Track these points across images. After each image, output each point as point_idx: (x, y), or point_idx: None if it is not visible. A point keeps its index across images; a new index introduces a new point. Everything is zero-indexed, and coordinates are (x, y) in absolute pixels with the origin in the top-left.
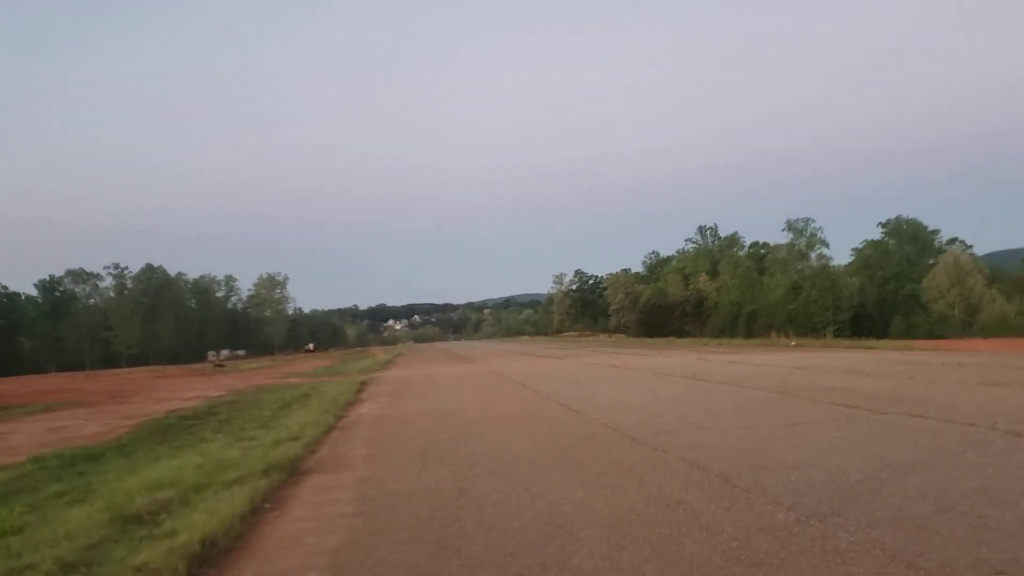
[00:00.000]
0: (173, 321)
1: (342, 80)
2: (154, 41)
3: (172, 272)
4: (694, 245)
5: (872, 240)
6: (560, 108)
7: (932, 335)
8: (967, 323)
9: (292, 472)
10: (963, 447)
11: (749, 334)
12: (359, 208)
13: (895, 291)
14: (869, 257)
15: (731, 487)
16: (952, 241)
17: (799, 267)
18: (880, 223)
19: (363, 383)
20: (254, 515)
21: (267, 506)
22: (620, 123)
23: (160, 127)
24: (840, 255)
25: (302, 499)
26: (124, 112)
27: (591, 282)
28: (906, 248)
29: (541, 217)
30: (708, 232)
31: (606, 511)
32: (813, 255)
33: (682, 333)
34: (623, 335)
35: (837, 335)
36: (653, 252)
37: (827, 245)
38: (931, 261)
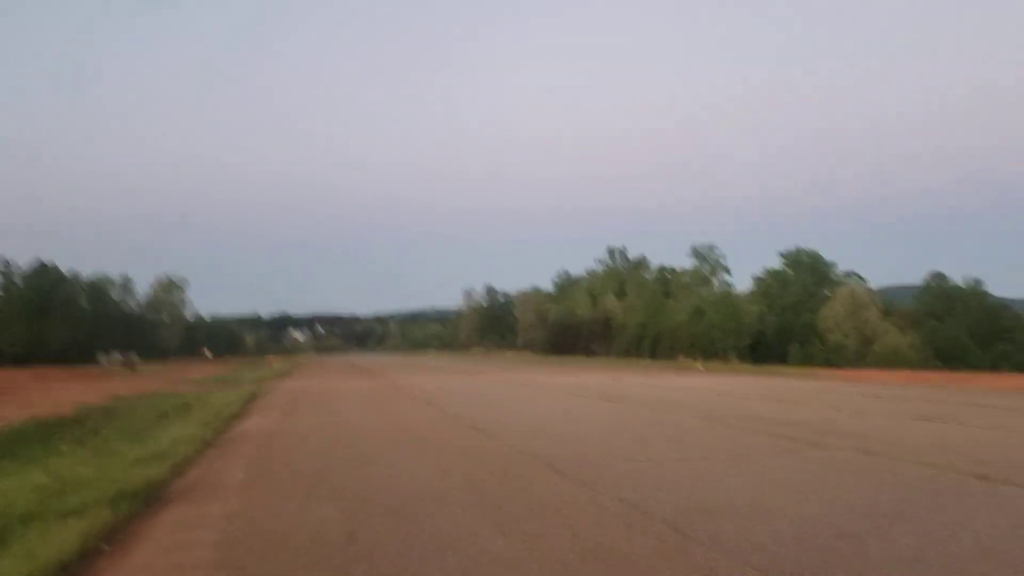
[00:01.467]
0: (64, 321)
1: (246, 83)
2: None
3: (65, 269)
4: (603, 266)
5: (772, 269)
6: (473, 120)
7: (828, 363)
8: (861, 353)
9: (149, 500)
10: (935, 493)
11: (654, 355)
12: (261, 214)
13: (793, 319)
14: (769, 286)
15: (683, 538)
16: (848, 274)
17: (703, 292)
18: (781, 253)
19: (254, 394)
20: (82, 561)
21: (104, 548)
22: (534, 139)
23: (58, 120)
24: (741, 282)
25: (151, 539)
26: (19, 101)
27: (501, 299)
28: (804, 278)
29: (451, 230)
30: (617, 254)
31: (534, 569)
32: (716, 281)
33: (589, 352)
34: (531, 353)
35: (739, 360)
36: (563, 271)
37: (729, 272)
38: (827, 292)
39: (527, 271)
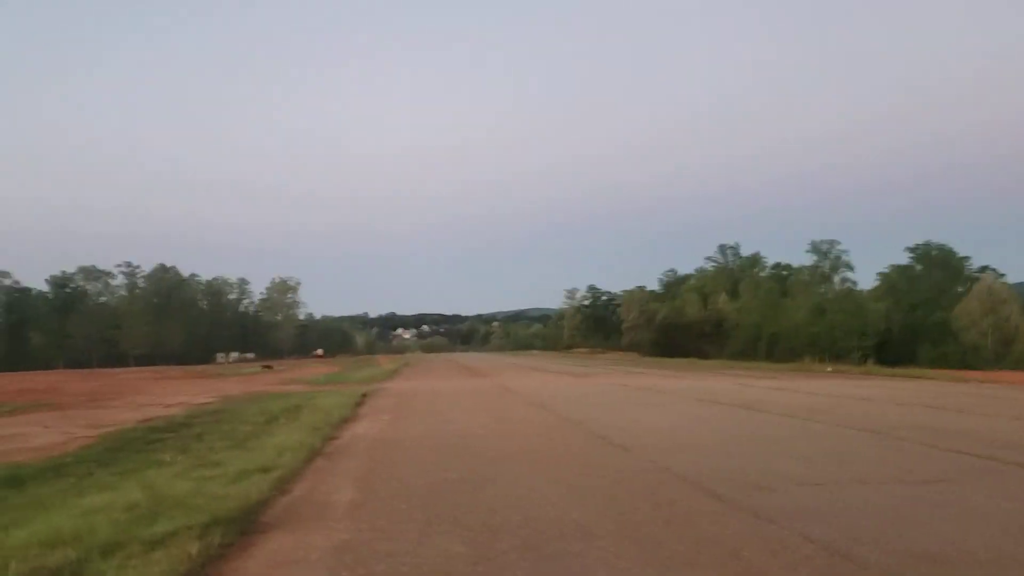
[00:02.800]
0: (183, 322)
1: (354, 87)
2: (169, 39)
3: (185, 273)
4: (714, 264)
5: (899, 265)
6: (577, 121)
7: (964, 365)
8: (1000, 354)
9: (245, 527)
10: None
11: (770, 357)
12: (372, 216)
13: (923, 318)
14: (895, 282)
15: None
16: (983, 269)
17: (822, 290)
18: (908, 248)
19: (364, 395)
20: None
21: None
22: (640, 142)
23: (178, 130)
24: (864, 279)
25: None
26: (143, 114)
27: (604, 298)
28: (935, 274)
29: (555, 231)
30: (729, 251)
31: None
32: (836, 278)
33: (699, 353)
34: (636, 353)
35: (862, 361)
36: (670, 270)
37: (851, 268)
38: (959, 289)
39: (630, 271)
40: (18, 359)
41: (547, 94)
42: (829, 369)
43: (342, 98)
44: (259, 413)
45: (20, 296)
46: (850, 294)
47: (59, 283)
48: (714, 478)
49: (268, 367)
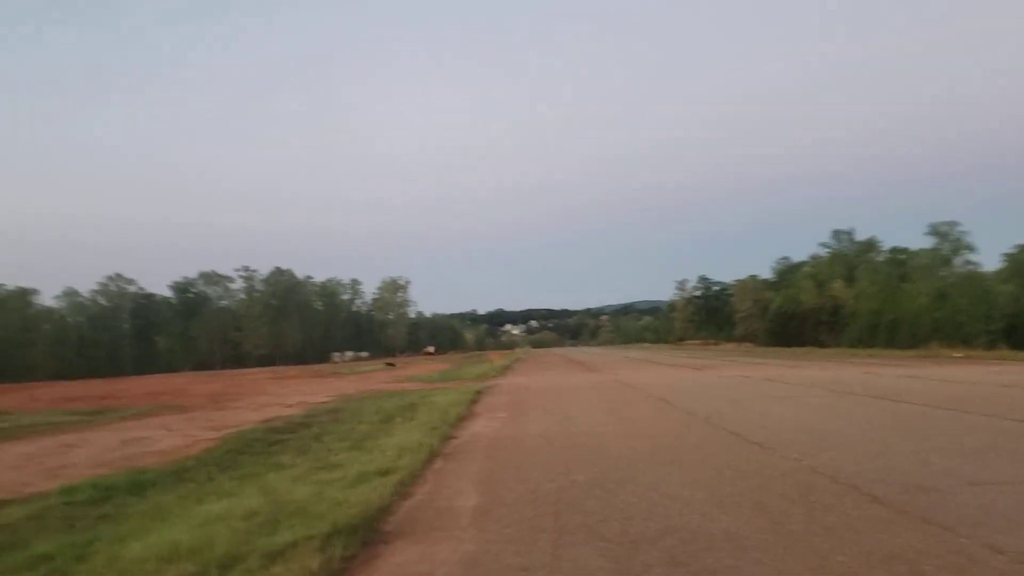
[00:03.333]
0: (299, 322)
1: (458, 87)
2: (261, 51)
3: (300, 275)
4: (828, 250)
5: None
6: (685, 113)
7: None
8: None
9: (368, 537)
10: None
11: (890, 344)
12: (479, 213)
13: None
14: (1023, 262)
15: None
16: None
17: (943, 273)
18: None
19: (478, 392)
20: None
21: None
22: (748, 127)
23: (293, 136)
24: (987, 261)
25: None
26: (257, 122)
27: (715, 289)
28: None
29: (662, 221)
30: (843, 237)
31: None
32: (958, 261)
33: (816, 342)
34: (751, 344)
35: (990, 347)
36: (783, 258)
37: (973, 250)
38: None
39: (741, 260)
40: (146, 362)
41: (650, 73)
42: (958, 355)
43: (431, 101)
44: (375, 412)
45: (146, 302)
46: (974, 277)
47: (182, 288)
48: (870, 478)
49: (391, 364)
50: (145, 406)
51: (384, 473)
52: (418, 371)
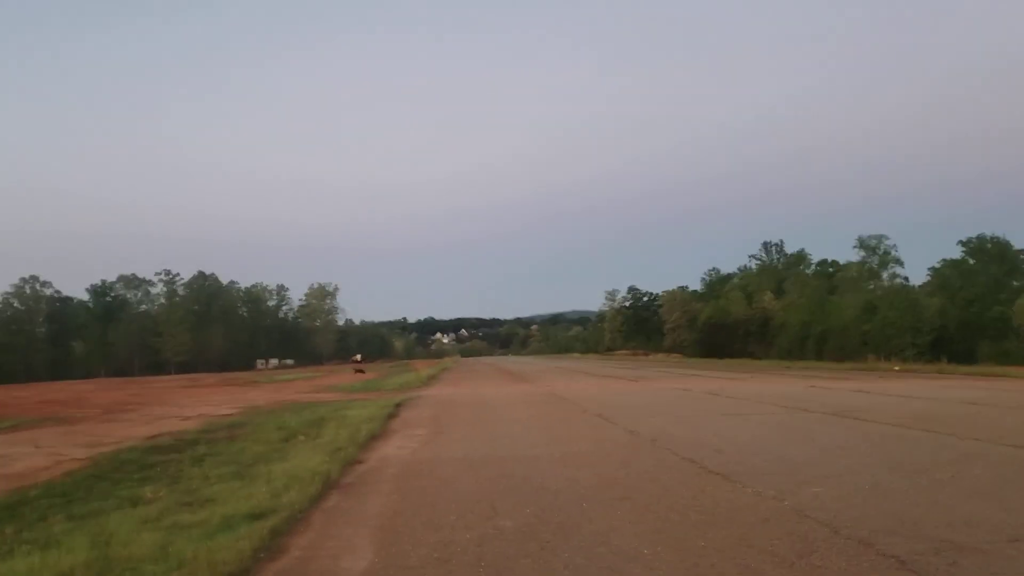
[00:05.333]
0: (223, 329)
1: (388, 86)
2: (204, 45)
3: (224, 280)
4: (757, 262)
5: (952, 259)
6: (617, 124)
7: None
8: None
9: None
10: None
11: (819, 356)
12: (410, 223)
13: (980, 314)
14: (948, 277)
15: None
16: None
17: (871, 287)
18: (961, 241)
19: (399, 405)
20: None
21: None
22: (679, 140)
23: (212, 133)
24: (913, 275)
25: None
26: (178, 118)
27: (645, 299)
28: (991, 268)
29: (592, 232)
30: (773, 249)
31: None
32: (885, 274)
33: (745, 353)
34: (680, 355)
35: (917, 359)
36: (713, 269)
37: (901, 264)
38: (1015, 283)
39: (671, 271)
40: (62, 368)
41: (588, 102)
42: (896, 368)
43: (373, 108)
44: (278, 428)
45: (61, 306)
46: (902, 290)
47: (100, 292)
48: (879, 528)
49: (360, 371)
50: (29, 417)
51: (257, 516)
52: (341, 380)
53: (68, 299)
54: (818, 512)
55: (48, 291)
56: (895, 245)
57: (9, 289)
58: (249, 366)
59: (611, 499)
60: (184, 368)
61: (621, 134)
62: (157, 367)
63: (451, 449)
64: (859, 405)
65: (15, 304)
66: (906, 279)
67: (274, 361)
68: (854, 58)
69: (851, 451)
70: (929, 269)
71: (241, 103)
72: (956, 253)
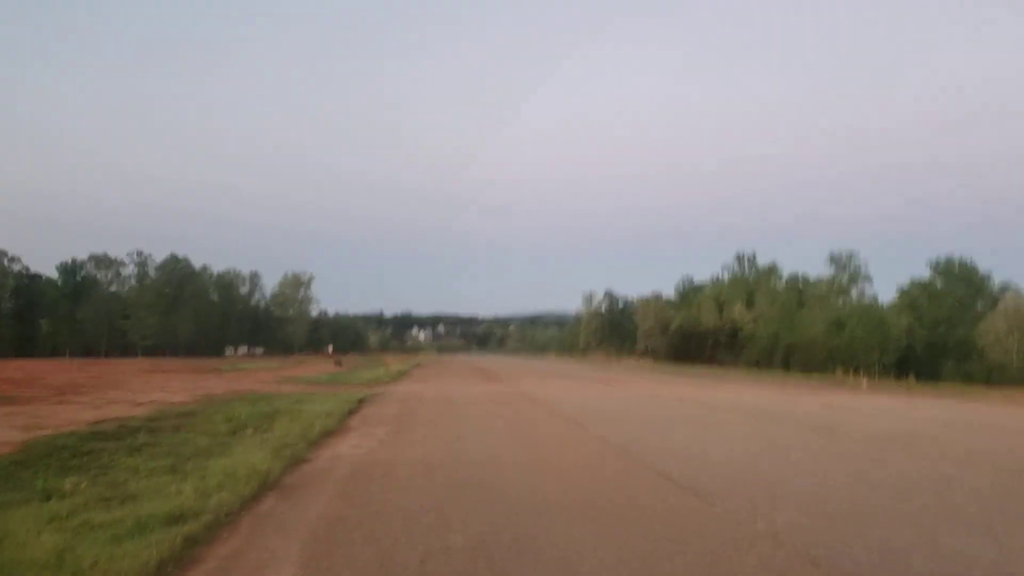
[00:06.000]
0: (193, 314)
1: (378, 73)
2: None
3: (197, 264)
4: (730, 273)
5: (920, 280)
6: (599, 124)
7: (989, 383)
8: None
9: None
10: None
11: (786, 368)
12: (390, 214)
13: (946, 335)
14: (916, 298)
15: None
16: (1005, 286)
17: (840, 302)
18: (929, 262)
19: (362, 400)
20: None
21: None
22: (659, 145)
23: (192, 111)
24: (881, 292)
25: None
26: (157, 95)
27: (620, 304)
28: (958, 290)
29: (571, 235)
30: (746, 261)
31: None
32: (854, 291)
33: (714, 362)
34: (651, 360)
35: (882, 376)
36: (686, 277)
37: (871, 281)
38: (979, 306)
39: (646, 277)
40: (27, 345)
41: (573, 104)
42: (865, 384)
43: (361, 91)
44: (227, 420)
45: (29, 282)
46: (871, 308)
47: (69, 270)
48: (864, 562)
49: (339, 363)
50: None
51: (176, 520)
52: (307, 372)
53: (37, 276)
54: (794, 538)
55: (16, 267)
56: (866, 262)
57: None
58: (218, 353)
59: (575, 515)
60: (151, 352)
61: (604, 140)
62: (124, 349)
63: (409, 450)
64: (833, 420)
65: None
66: (875, 296)
67: (243, 349)
68: (843, 66)
69: (828, 469)
70: (898, 288)
71: (226, 83)
72: (924, 271)
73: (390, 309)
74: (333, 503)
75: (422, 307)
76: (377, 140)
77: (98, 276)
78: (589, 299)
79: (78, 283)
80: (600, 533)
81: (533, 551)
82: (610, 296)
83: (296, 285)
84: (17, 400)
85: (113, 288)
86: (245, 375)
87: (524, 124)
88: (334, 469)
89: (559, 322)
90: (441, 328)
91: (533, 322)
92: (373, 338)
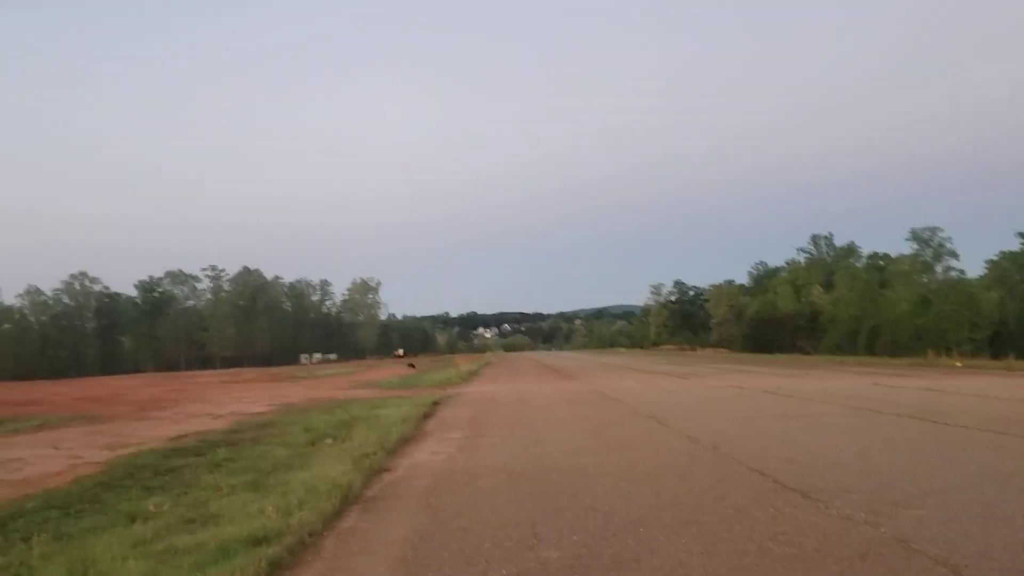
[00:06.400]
0: (268, 323)
1: (439, 82)
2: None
3: (268, 275)
4: (806, 255)
5: (1010, 251)
6: (662, 114)
7: None
8: None
9: None
10: None
11: (870, 351)
12: (452, 215)
13: None
14: (1006, 270)
15: None
16: None
17: (924, 280)
18: (1020, 233)
19: (436, 403)
20: None
21: None
22: (723, 131)
23: (260, 130)
24: (969, 267)
25: None
26: (225, 117)
27: (691, 294)
28: None
29: (636, 225)
30: (823, 242)
31: None
32: (939, 267)
33: (794, 349)
34: (726, 350)
35: (975, 354)
36: (760, 263)
37: (956, 256)
38: None
39: (717, 265)
40: (111, 363)
41: (629, 94)
42: (959, 364)
43: (396, 99)
44: (305, 430)
45: (110, 301)
46: (959, 283)
47: (147, 288)
48: (1012, 568)
49: (412, 365)
50: (59, 415)
51: (259, 541)
52: (379, 376)
53: (116, 295)
54: (928, 544)
55: (97, 287)
56: (950, 237)
57: (59, 285)
58: (294, 361)
59: (674, 523)
60: (229, 362)
61: (664, 127)
62: (204, 361)
63: (489, 456)
64: (934, 405)
65: (65, 300)
66: (962, 272)
67: (318, 356)
68: (906, 50)
69: (944, 462)
70: (986, 261)
71: (283, 99)
72: (1015, 244)
73: (456, 309)
74: (417, 517)
75: (486, 306)
76: (436, 142)
77: (175, 292)
78: (657, 289)
79: (156, 299)
80: (705, 545)
81: (635, 566)
82: (680, 285)
83: (365, 291)
84: (100, 418)
85: (190, 303)
86: (320, 382)
87: (582, 112)
88: (414, 479)
89: (626, 315)
90: (507, 326)
91: (599, 316)
92: (440, 339)
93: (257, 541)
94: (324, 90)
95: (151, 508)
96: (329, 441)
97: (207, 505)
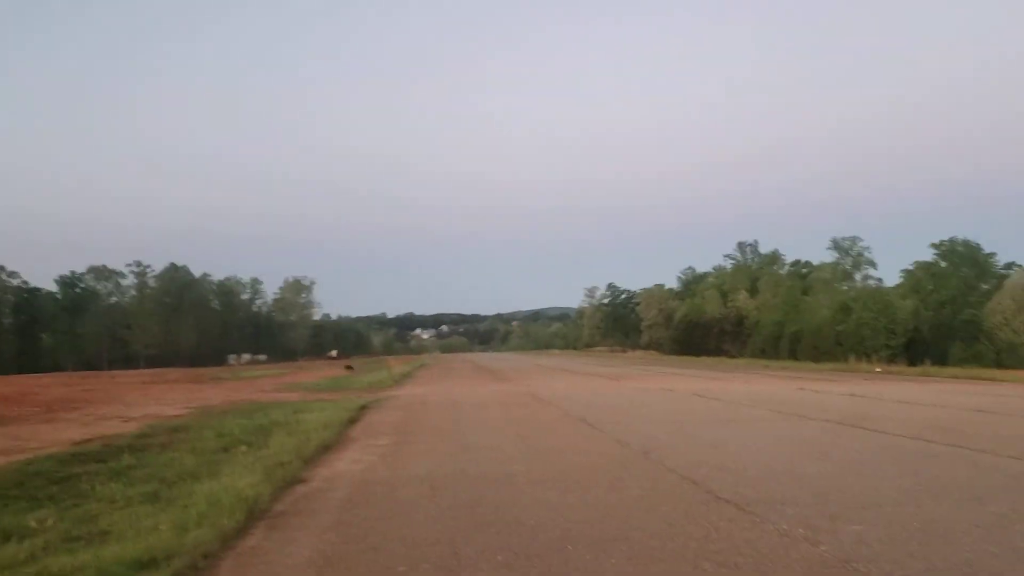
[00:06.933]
0: (194, 322)
1: (373, 81)
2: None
3: (196, 272)
4: (732, 262)
5: (924, 262)
6: (597, 121)
7: (998, 364)
8: None
9: None
10: None
11: (793, 355)
12: (389, 215)
13: (952, 316)
14: (920, 280)
15: None
16: (1009, 265)
17: (844, 287)
18: (933, 244)
19: (363, 407)
20: None
21: None
22: (656, 139)
23: (187, 120)
24: (886, 276)
25: None
26: (152, 105)
27: (623, 297)
28: (962, 271)
29: (572, 229)
30: (748, 249)
31: None
32: (858, 275)
33: (720, 352)
34: (656, 352)
35: (891, 360)
36: (689, 268)
37: (875, 265)
38: (985, 286)
39: (649, 269)
40: (29, 360)
41: (555, 92)
42: (878, 370)
43: (355, 95)
44: (218, 436)
45: (29, 296)
46: (876, 291)
47: (68, 283)
48: None
49: (350, 367)
50: None
51: (145, 565)
52: (308, 378)
53: (36, 290)
54: (870, 564)
55: (15, 281)
56: (868, 247)
57: None
58: (221, 361)
59: (603, 539)
60: (154, 361)
61: (600, 134)
62: (127, 360)
63: (413, 465)
64: (861, 411)
65: None
66: (879, 280)
67: (246, 356)
68: (835, 53)
69: (878, 472)
70: (902, 271)
71: (222, 94)
72: (928, 255)
73: (393, 310)
74: (327, 536)
75: (424, 307)
76: (375, 140)
77: (98, 288)
78: (591, 292)
79: (77, 296)
80: (636, 565)
81: None
82: (613, 289)
83: (298, 290)
84: (4, 419)
85: (113, 299)
86: (245, 383)
87: (521, 117)
88: (330, 491)
89: (562, 317)
90: (444, 327)
91: (536, 318)
92: (376, 340)
93: (142, 565)
94: (253, 91)
95: (32, 524)
96: (243, 448)
97: (97, 520)
